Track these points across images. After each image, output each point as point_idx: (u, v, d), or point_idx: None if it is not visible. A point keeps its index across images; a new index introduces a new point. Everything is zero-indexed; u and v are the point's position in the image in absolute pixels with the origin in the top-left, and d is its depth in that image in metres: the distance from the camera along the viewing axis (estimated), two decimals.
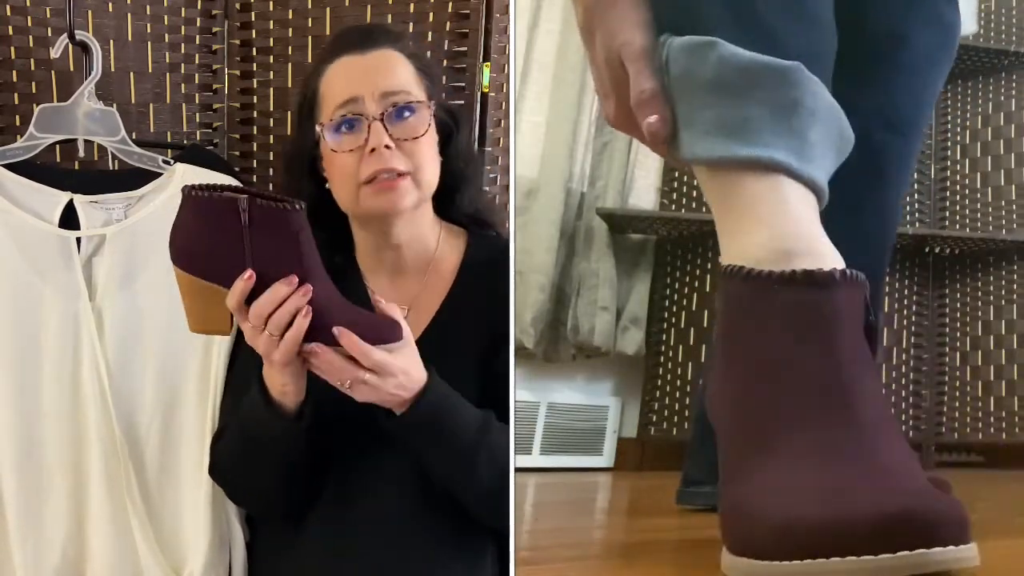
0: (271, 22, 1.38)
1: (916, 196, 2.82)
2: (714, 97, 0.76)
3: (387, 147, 1.03)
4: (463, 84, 1.32)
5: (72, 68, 1.29)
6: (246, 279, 0.91)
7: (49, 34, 1.28)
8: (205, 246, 0.93)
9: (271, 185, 1.39)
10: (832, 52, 0.85)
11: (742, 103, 0.75)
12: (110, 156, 1.23)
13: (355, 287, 1.10)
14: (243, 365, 1.12)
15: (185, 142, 1.35)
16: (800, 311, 0.71)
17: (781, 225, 0.73)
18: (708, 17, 0.78)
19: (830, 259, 0.73)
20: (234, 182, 1.17)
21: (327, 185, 1.09)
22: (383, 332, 0.95)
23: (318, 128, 1.06)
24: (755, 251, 0.73)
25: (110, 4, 1.32)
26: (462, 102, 1.30)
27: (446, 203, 1.13)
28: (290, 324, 0.92)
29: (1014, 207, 2.72)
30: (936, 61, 1.18)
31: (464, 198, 1.14)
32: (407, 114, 1.05)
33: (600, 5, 0.82)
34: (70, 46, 1.21)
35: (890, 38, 1.07)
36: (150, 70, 1.35)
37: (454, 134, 1.12)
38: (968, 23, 1.41)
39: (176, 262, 0.95)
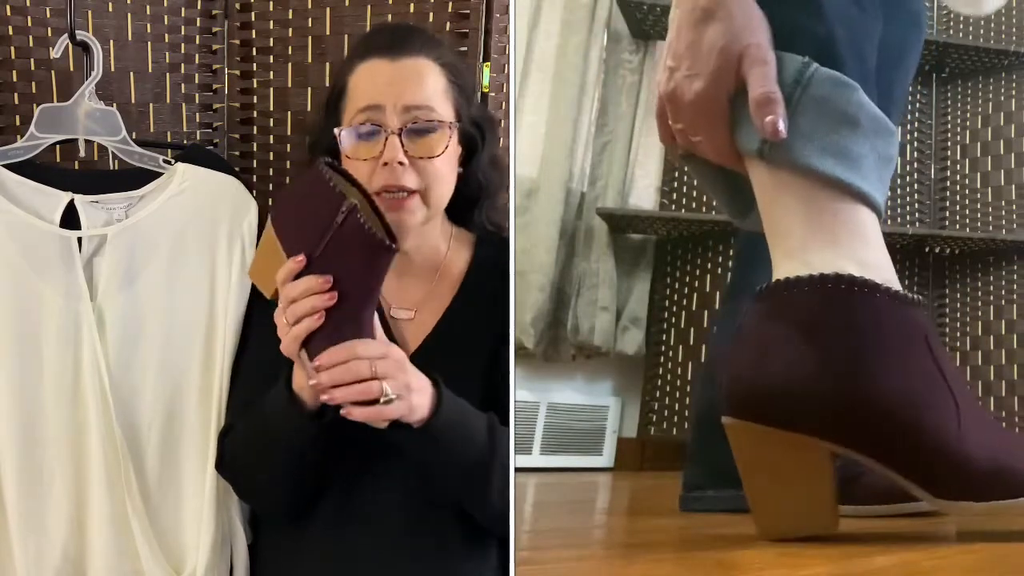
0: (271, 22, 1.38)
1: (916, 196, 2.82)
2: (845, 128, 0.88)
3: (400, 163, 1.02)
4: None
5: (72, 68, 1.29)
6: (297, 261, 0.94)
7: (49, 34, 1.28)
8: (294, 212, 0.97)
9: (271, 185, 1.39)
10: None
11: (863, 143, 0.88)
12: (110, 156, 1.23)
13: None
14: (254, 364, 1.12)
15: (185, 142, 1.35)
16: (906, 324, 0.84)
17: (875, 251, 0.87)
18: (840, 56, 0.90)
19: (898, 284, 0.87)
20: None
21: None
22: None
23: (336, 131, 1.06)
24: (846, 264, 0.85)
25: (110, 4, 1.32)
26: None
27: (462, 213, 1.13)
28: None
29: (1014, 207, 2.72)
30: (906, 51, 1.19)
31: (481, 211, 1.13)
32: (427, 132, 1.04)
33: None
34: (70, 46, 1.21)
35: None
36: (150, 70, 1.35)
37: (479, 149, 1.11)
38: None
39: (270, 212, 1.01)
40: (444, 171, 1.05)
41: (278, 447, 1.02)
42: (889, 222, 2.73)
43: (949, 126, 2.84)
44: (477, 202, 1.13)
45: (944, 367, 0.84)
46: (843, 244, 0.86)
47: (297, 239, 0.96)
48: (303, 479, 1.04)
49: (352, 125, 1.05)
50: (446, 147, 1.05)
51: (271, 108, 1.39)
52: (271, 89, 1.39)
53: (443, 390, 0.97)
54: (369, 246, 0.94)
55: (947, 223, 2.80)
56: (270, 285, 0.99)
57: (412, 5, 1.32)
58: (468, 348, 1.06)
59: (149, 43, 1.35)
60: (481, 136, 1.11)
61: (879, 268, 0.86)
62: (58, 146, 1.22)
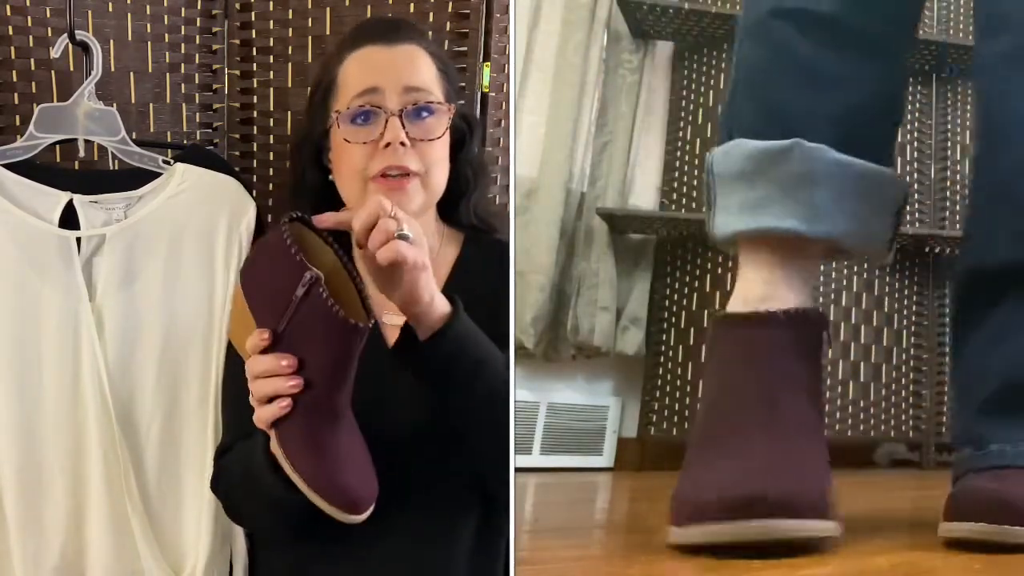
0: (271, 22, 1.38)
1: (916, 196, 2.82)
2: (738, 184, 0.94)
3: (402, 144, 1.01)
4: (463, 84, 1.32)
5: (72, 68, 1.29)
6: (263, 339, 0.89)
7: (49, 34, 1.28)
8: (258, 280, 0.92)
9: (271, 185, 1.39)
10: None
11: (758, 184, 0.93)
12: (110, 156, 1.23)
13: None
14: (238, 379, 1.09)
15: (185, 142, 1.35)
16: (743, 343, 0.91)
17: (760, 284, 0.93)
18: (743, 117, 0.97)
19: (788, 301, 0.91)
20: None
21: (331, 177, 1.07)
22: (355, 492, 0.91)
23: (333, 115, 1.04)
24: (737, 303, 0.94)
25: (110, 4, 1.32)
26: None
27: (450, 208, 1.12)
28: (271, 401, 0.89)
29: None
30: None
31: (468, 205, 1.12)
32: (426, 114, 1.04)
33: None
34: (70, 46, 1.21)
35: None
36: (150, 70, 1.35)
37: (467, 140, 1.11)
38: None
39: (240, 273, 0.97)
40: (442, 155, 1.05)
41: (264, 500, 0.97)
42: None
43: (949, 126, 2.84)
44: (463, 197, 1.12)
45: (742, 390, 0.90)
46: (747, 287, 0.95)
47: (263, 311, 0.90)
48: (296, 522, 0.99)
49: (349, 109, 1.04)
50: (445, 130, 1.05)
51: (271, 108, 1.39)
52: (271, 89, 1.39)
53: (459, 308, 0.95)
54: (333, 326, 0.86)
55: (947, 223, 2.80)
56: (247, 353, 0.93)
57: (412, 5, 1.32)
58: None
59: (149, 43, 1.35)
60: (469, 129, 1.11)
61: (768, 286, 0.94)
62: (58, 146, 1.22)
